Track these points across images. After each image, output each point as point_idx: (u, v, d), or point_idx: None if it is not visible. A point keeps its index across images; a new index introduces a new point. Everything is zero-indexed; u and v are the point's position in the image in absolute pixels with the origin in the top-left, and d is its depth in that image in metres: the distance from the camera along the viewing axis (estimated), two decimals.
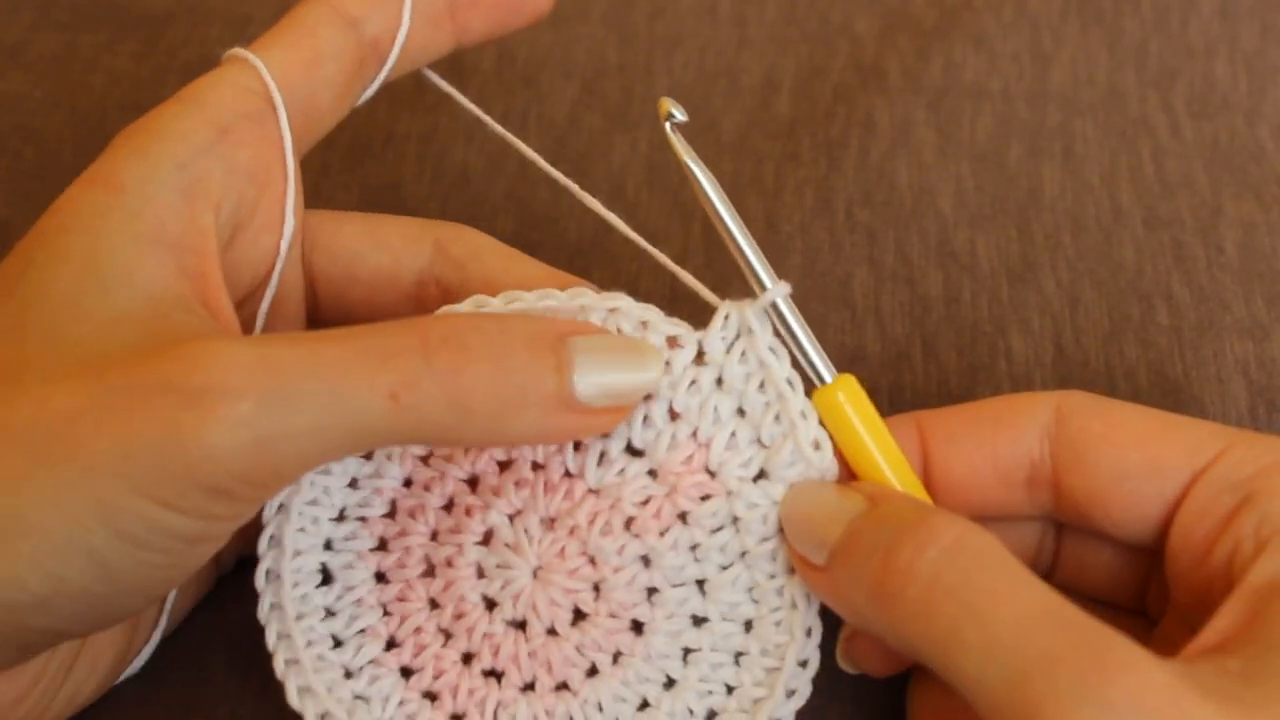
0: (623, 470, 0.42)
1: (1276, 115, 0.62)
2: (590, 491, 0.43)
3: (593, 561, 0.43)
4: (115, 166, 0.40)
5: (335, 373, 0.36)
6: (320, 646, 0.43)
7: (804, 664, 0.42)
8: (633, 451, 0.43)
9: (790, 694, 0.42)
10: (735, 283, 0.43)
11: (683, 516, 0.42)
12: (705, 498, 0.42)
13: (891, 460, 0.42)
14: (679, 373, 0.42)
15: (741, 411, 0.42)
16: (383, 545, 0.44)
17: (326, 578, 0.44)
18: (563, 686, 0.43)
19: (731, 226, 0.42)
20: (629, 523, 0.42)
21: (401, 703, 0.43)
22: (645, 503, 0.42)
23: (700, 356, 0.42)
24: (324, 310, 0.47)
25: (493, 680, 0.43)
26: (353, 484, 0.44)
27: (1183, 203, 0.59)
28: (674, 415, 0.42)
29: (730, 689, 0.42)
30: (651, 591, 0.43)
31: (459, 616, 0.43)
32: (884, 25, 0.67)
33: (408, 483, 0.44)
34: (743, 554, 0.42)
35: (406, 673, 0.43)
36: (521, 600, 0.43)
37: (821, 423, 0.42)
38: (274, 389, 0.35)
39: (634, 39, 0.67)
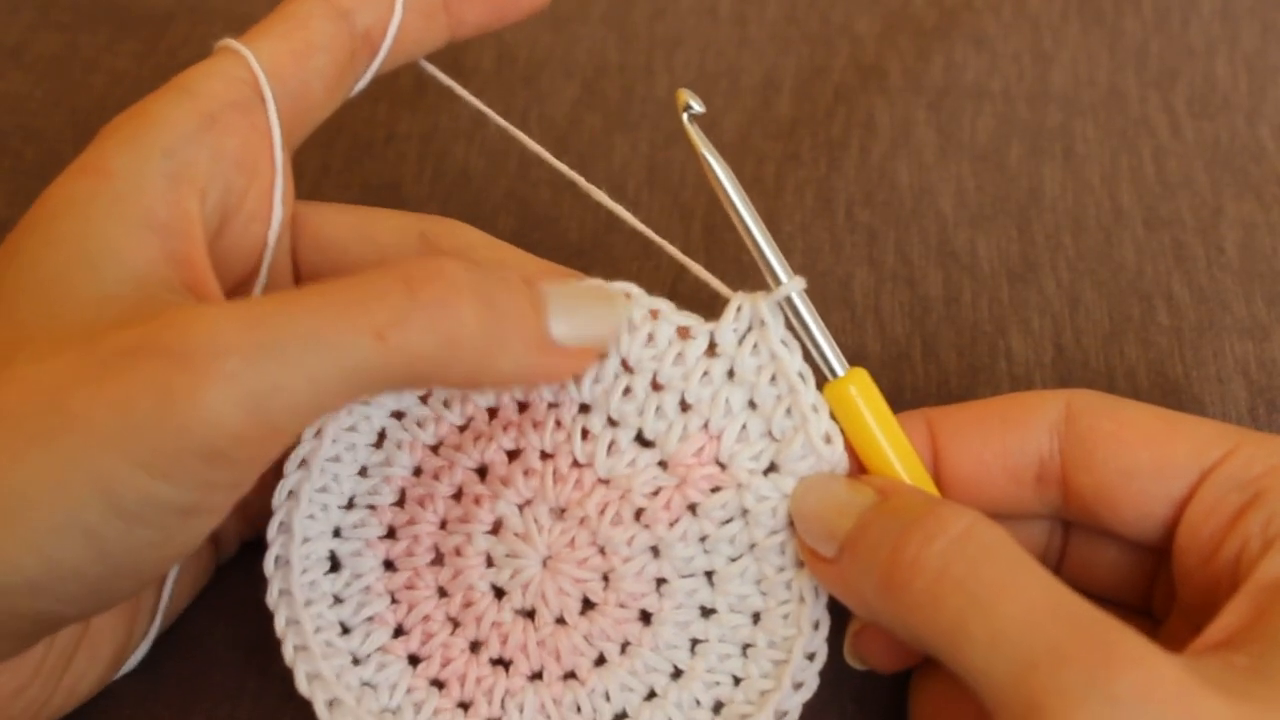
0: (633, 461, 0.42)
1: (1277, 115, 0.63)
2: (600, 481, 0.43)
3: (602, 551, 0.43)
4: (104, 154, 0.40)
5: (320, 318, 0.35)
6: (329, 633, 0.43)
7: (811, 657, 0.42)
8: (643, 442, 0.43)
9: (797, 687, 0.42)
10: (737, 283, 0.43)
11: (692, 508, 0.42)
12: (715, 490, 0.42)
13: (902, 454, 0.42)
14: (691, 364, 0.42)
15: (753, 404, 0.42)
16: (392, 533, 0.44)
17: (335, 565, 0.44)
18: (570, 675, 0.43)
19: (748, 219, 0.42)
20: (639, 513, 0.42)
21: (409, 690, 0.43)
22: (655, 494, 0.42)
23: (712, 348, 0.42)
24: None
25: (500, 669, 0.43)
26: (362, 472, 0.44)
27: (1183, 203, 0.59)
28: (685, 407, 0.42)
29: (737, 680, 0.42)
30: (660, 582, 0.43)
31: (467, 605, 0.43)
32: (884, 25, 0.67)
33: (417, 471, 0.44)
34: (752, 546, 0.42)
35: (414, 660, 0.43)
36: (530, 589, 0.43)
37: (832, 416, 0.42)
38: (261, 342, 0.34)
39: (634, 39, 0.67)
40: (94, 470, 0.34)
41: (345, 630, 0.43)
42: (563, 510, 0.43)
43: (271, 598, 0.43)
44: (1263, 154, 0.61)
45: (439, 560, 0.44)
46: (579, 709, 0.42)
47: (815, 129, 0.63)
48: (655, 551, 0.43)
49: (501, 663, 0.43)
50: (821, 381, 0.42)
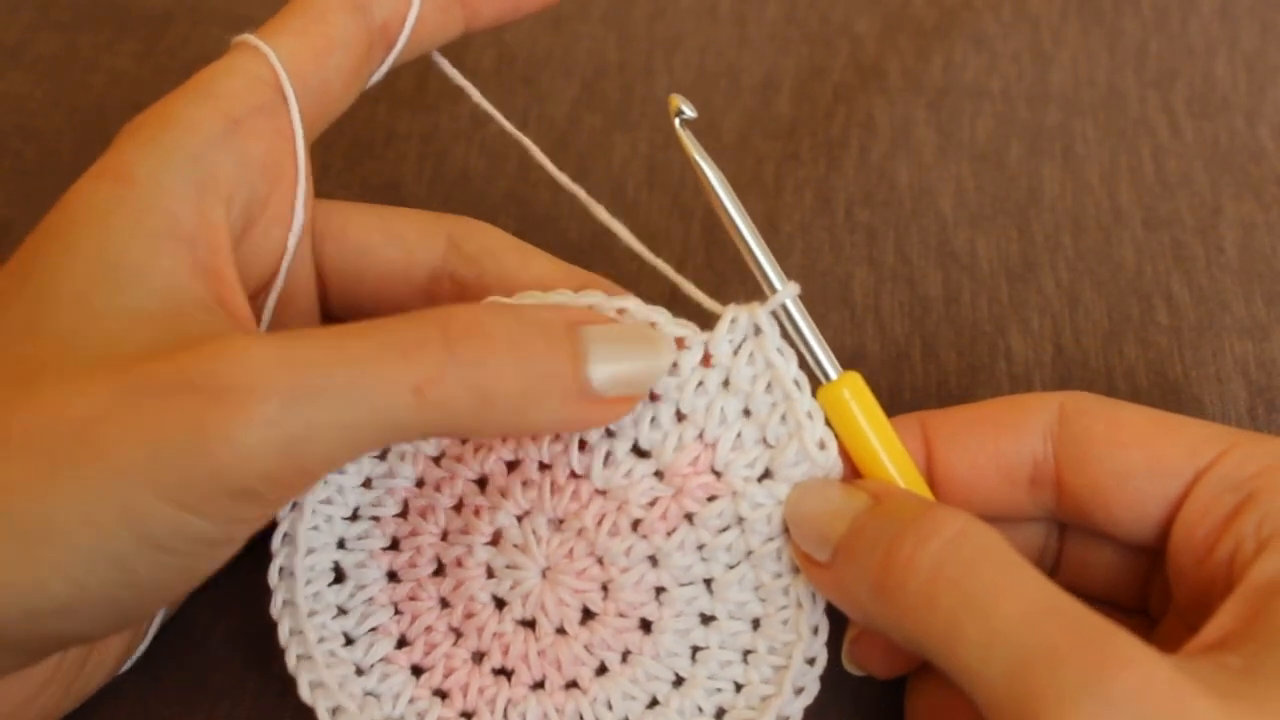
0: (629, 471, 0.42)
1: (1276, 115, 0.63)
2: (597, 492, 0.43)
3: (601, 562, 0.43)
4: (126, 158, 0.39)
5: (359, 369, 0.35)
6: (332, 643, 0.43)
7: (811, 662, 0.42)
8: (639, 452, 0.43)
9: (798, 692, 0.42)
10: (736, 283, 0.43)
11: (689, 517, 0.42)
12: (712, 498, 0.42)
13: (896, 457, 0.42)
14: (686, 374, 0.42)
15: (748, 412, 0.42)
16: (395, 544, 0.44)
17: (339, 576, 0.44)
18: (572, 685, 0.43)
19: (740, 225, 0.42)
20: (636, 524, 0.43)
21: (412, 700, 0.43)
22: (652, 504, 0.42)
23: (707, 359, 0.42)
24: (334, 302, 0.46)
25: (503, 678, 0.43)
26: (366, 483, 0.44)
27: (1183, 203, 0.59)
28: (680, 417, 0.42)
29: (739, 687, 0.43)
30: (659, 591, 0.43)
31: (469, 616, 0.43)
32: (884, 25, 0.67)
33: (420, 483, 0.44)
34: (749, 553, 0.42)
35: (417, 671, 0.43)
36: (531, 600, 0.43)
37: (827, 422, 0.42)
38: (299, 387, 0.34)
39: (634, 39, 0.67)
40: (123, 501, 0.34)
41: (349, 641, 0.43)
42: (561, 521, 0.43)
43: (275, 608, 0.43)
44: (1262, 154, 0.61)
45: (441, 571, 0.44)
46: (582, 718, 0.42)
47: (815, 129, 0.63)
48: (653, 561, 0.43)
49: (504, 672, 0.43)
50: (816, 385, 0.42)
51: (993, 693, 0.34)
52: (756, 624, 0.43)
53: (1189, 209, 0.59)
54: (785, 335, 0.42)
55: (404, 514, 0.45)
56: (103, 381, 0.35)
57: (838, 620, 0.42)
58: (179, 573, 0.36)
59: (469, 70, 0.48)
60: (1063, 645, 0.33)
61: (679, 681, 0.43)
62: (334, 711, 0.42)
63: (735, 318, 0.42)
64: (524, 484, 0.43)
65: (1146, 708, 0.32)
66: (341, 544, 0.44)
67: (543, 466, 0.43)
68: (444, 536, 0.44)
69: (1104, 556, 0.44)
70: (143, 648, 0.45)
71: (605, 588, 0.43)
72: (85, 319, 0.36)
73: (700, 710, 0.42)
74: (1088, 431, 0.41)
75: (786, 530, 0.42)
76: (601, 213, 0.46)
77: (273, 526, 0.43)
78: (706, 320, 0.43)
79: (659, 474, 0.42)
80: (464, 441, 0.44)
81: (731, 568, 0.43)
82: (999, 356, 0.54)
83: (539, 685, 0.43)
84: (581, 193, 0.47)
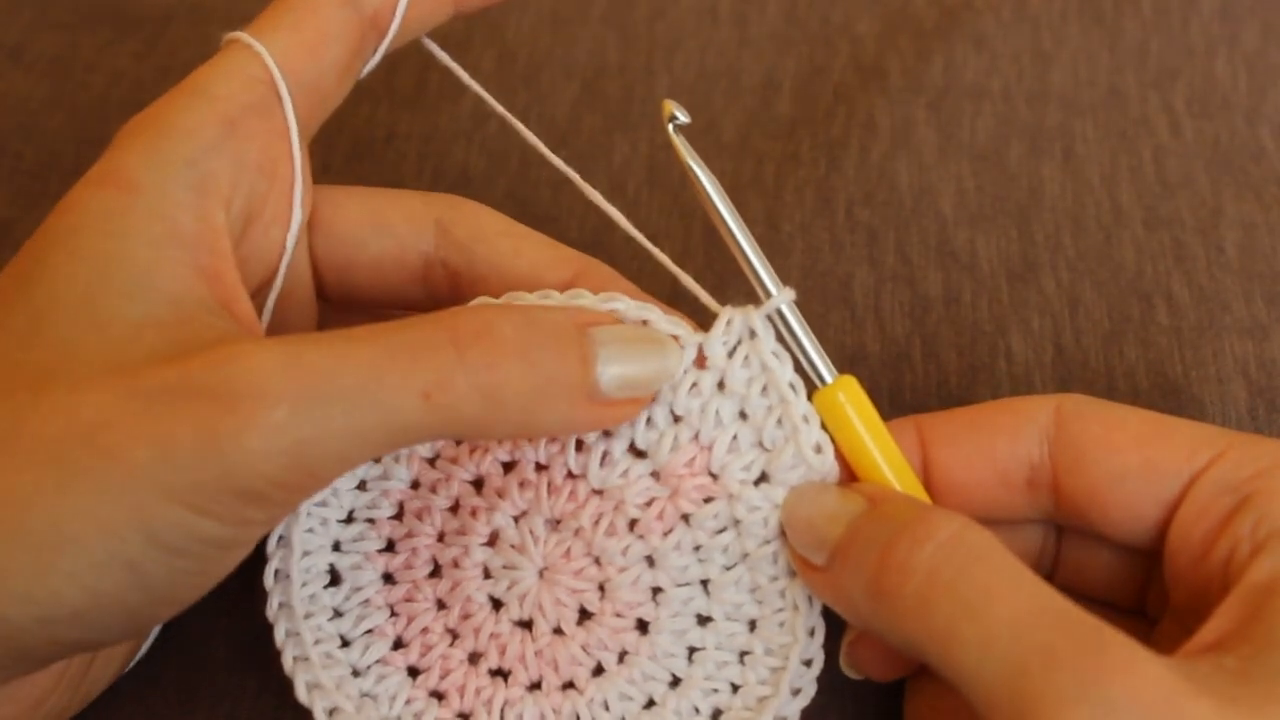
0: (626, 471, 0.42)
1: (1277, 115, 0.62)
2: (594, 492, 0.43)
3: (597, 562, 0.43)
4: (124, 164, 0.39)
5: (368, 374, 0.35)
6: (328, 645, 0.43)
7: (808, 664, 0.42)
8: (636, 452, 0.43)
9: (795, 693, 0.42)
10: (736, 282, 0.43)
11: (685, 518, 0.42)
12: (707, 500, 0.42)
13: (891, 461, 0.42)
14: (679, 375, 0.42)
15: (744, 415, 0.42)
16: (390, 546, 0.45)
17: (335, 578, 0.44)
18: (569, 685, 0.43)
19: (735, 230, 0.42)
20: (633, 524, 0.43)
21: (409, 701, 0.43)
22: (648, 504, 0.42)
23: (702, 360, 0.42)
24: (330, 292, 0.46)
25: (499, 679, 0.43)
26: (361, 486, 0.44)
27: (1183, 203, 0.59)
28: (676, 418, 0.42)
29: (735, 688, 0.43)
30: (656, 591, 0.43)
31: (466, 617, 0.43)
32: (884, 25, 0.67)
33: (415, 485, 0.44)
34: (745, 556, 0.42)
35: (414, 672, 0.44)
36: (528, 600, 0.43)
37: (823, 426, 0.42)
38: (309, 392, 0.34)
39: (634, 39, 0.67)
40: (135, 506, 0.34)
41: (345, 643, 0.44)
42: (558, 521, 0.43)
43: (271, 610, 0.43)
44: (1263, 154, 0.61)
45: (437, 573, 0.44)
46: (578, 718, 0.42)
47: (815, 129, 0.63)
48: (650, 561, 0.43)
49: (500, 673, 0.43)
50: (811, 389, 0.42)
51: (990, 696, 0.34)
52: (753, 625, 0.43)
53: (1189, 209, 0.59)
54: (781, 339, 0.42)
55: (399, 516, 0.45)
56: (111, 388, 0.35)
57: (836, 623, 0.42)
58: (191, 576, 0.36)
59: (469, 70, 0.48)
60: (1059, 648, 0.33)
61: (675, 682, 0.43)
62: (331, 713, 0.42)
63: (730, 319, 0.42)
64: (521, 484, 0.43)
65: (1143, 710, 0.32)
66: (337, 546, 0.44)
67: (539, 467, 0.43)
68: (440, 538, 0.44)
69: (1101, 559, 0.44)
70: (145, 648, 0.45)
71: (602, 588, 0.43)
72: (91, 326, 0.36)
73: (697, 711, 0.42)
74: (1084, 434, 0.41)
75: (783, 533, 0.42)
76: (596, 196, 0.46)
77: None
78: (705, 321, 0.43)
79: (655, 475, 0.43)
80: (459, 443, 0.44)
81: (728, 569, 0.43)
82: (999, 357, 0.54)
83: (536, 686, 0.43)
84: (576, 176, 0.46)
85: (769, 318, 0.42)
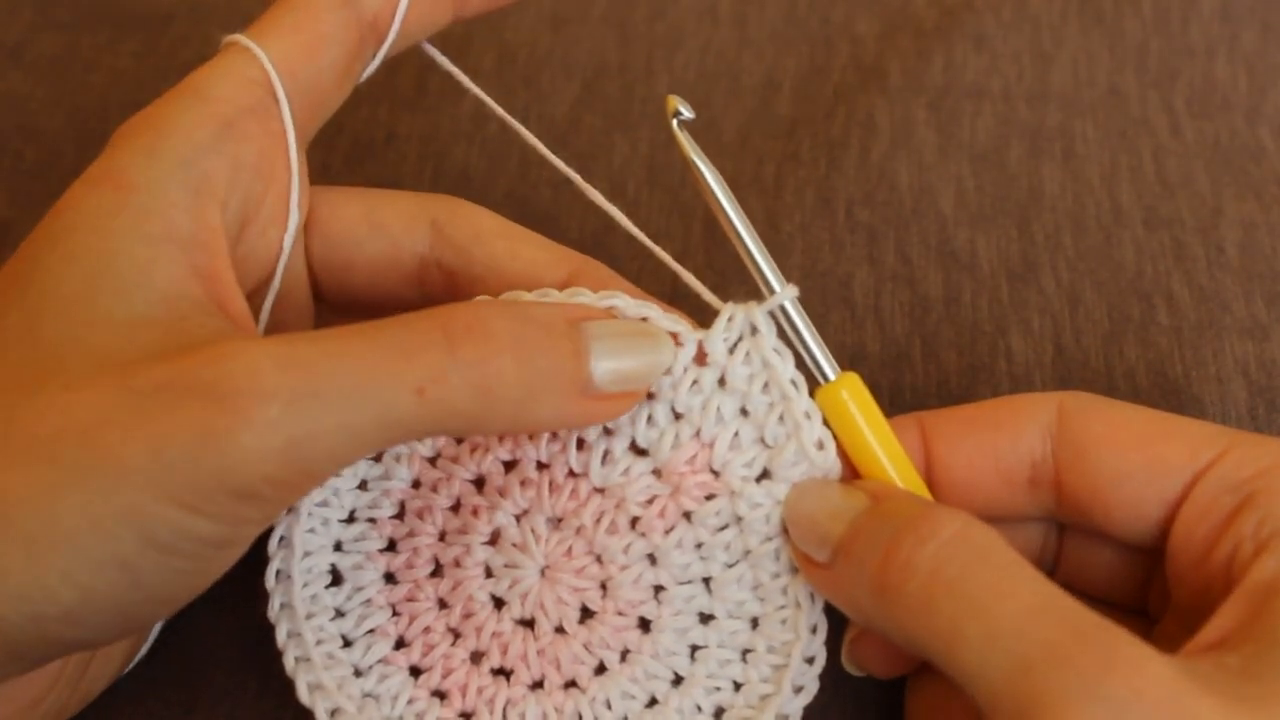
0: (627, 469, 0.42)
1: (1277, 115, 0.62)
2: (596, 490, 0.43)
3: (599, 560, 0.43)
4: (121, 164, 0.40)
5: (361, 371, 0.35)
6: (330, 645, 0.43)
7: (810, 661, 0.42)
8: (637, 450, 0.43)
9: (797, 690, 0.42)
10: (737, 282, 0.43)
11: (687, 516, 0.42)
12: (709, 497, 0.42)
13: (894, 458, 0.42)
14: (679, 373, 0.42)
15: (745, 411, 0.42)
16: (392, 546, 0.45)
17: (336, 578, 0.44)
18: (571, 684, 0.43)
19: (738, 226, 0.42)
20: (634, 522, 0.43)
21: (411, 701, 0.43)
22: (650, 502, 0.42)
23: (702, 357, 0.42)
24: (327, 293, 0.46)
25: (501, 678, 0.43)
26: (362, 486, 0.44)
27: (1183, 203, 0.59)
28: (677, 415, 0.42)
29: (738, 686, 0.43)
30: (658, 589, 0.43)
31: (467, 616, 0.43)
32: (885, 25, 0.67)
33: (416, 484, 0.44)
34: (747, 553, 0.42)
35: (416, 672, 0.43)
36: (529, 599, 0.43)
37: (825, 422, 0.42)
38: (302, 390, 0.34)
39: (634, 39, 0.67)
40: (129, 505, 0.34)
41: (347, 643, 0.43)
42: (559, 520, 0.43)
43: (273, 611, 0.43)
44: (1263, 154, 0.61)
45: (439, 572, 0.44)
46: (581, 717, 0.42)
47: (815, 129, 0.63)
48: (652, 559, 0.43)
49: (503, 672, 0.43)
50: (814, 386, 0.42)
51: (993, 693, 0.34)
52: (755, 623, 0.43)
53: (1189, 209, 0.59)
54: (783, 336, 0.42)
55: (400, 515, 0.45)
56: (105, 387, 0.35)
57: (838, 620, 0.42)
58: (185, 575, 0.36)
59: (469, 70, 0.48)
60: (1063, 645, 0.33)
61: (678, 680, 0.43)
62: (333, 713, 0.42)
63: (732, 315, 0.42)
64: (522, 483, 0.43)
65: (1148, 707, 0.32)
66: (338, 546, 0.44)
67: (540, 466, 0.43)
68: (441, 537, 0.44)
69: (1103, 557, 0.44)
70: (145, 648, 0.45)
71: (604, 586, 0.43)
72: (87, 325, 0.37)
73: (699, 709, 0.42)
74: (1087, 432, 0.41)
75: (785, 530, 0.42)
76: (596, 196, 0.46)
77: (271, 528, 0.43)
78: (706, 321, 0.43)
79: (657, 472, 0.42)
80: (460, 441, 0.44)
81: (730, 567, 0.43)
82: (999, 356, 0.54)
83: (538, 685, 0.43)
84: (576, 176, 0.46)
85: (770, 314, 0.42)
